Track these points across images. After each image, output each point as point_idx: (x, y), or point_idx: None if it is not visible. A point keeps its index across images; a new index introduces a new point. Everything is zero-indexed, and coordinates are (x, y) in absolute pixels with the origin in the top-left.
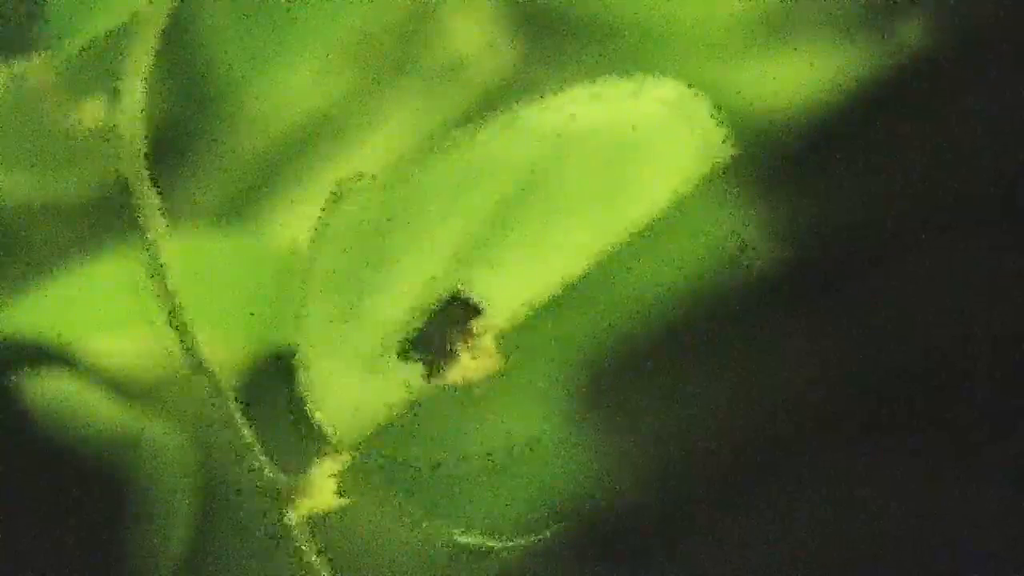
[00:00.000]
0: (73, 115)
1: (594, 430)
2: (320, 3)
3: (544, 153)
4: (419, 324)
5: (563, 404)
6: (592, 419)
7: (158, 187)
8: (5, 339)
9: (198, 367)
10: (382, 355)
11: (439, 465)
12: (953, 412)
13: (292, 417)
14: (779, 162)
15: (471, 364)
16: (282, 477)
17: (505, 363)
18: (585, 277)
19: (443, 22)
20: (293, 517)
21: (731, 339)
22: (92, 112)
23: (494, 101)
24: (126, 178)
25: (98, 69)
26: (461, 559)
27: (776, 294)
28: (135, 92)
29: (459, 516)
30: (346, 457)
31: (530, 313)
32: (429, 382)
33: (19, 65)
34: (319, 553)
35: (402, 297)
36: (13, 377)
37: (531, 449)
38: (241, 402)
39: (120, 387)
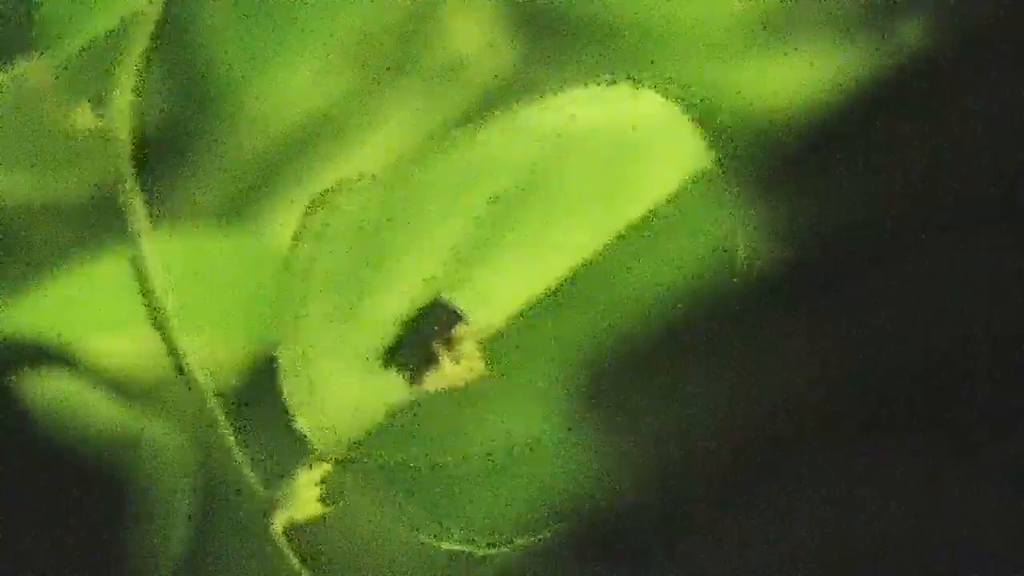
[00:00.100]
0: (71, 115)
1: (594, 430)
2: (320, 3)
3: (544, 153)
4: (405, 331)
5: (563, 404)
6: (592, 419)
7: (154, 187)
8: (5, 339)
9: (183, 374)
10: (381, 356)
11: (439, 465)
12: (953, 412)
13: (276, 423)
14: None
15: (453, 370)
16: (264, 488)
17: (489, 370)
18: (585, 277)
19: (443, 22)
20: (278, 525)
21: (731, 339)
22: (82, 114)
23: (494, 101)
24: (122, 179)
25: (96, 70)
26: (460, 560)
27: (776, 294)
28: (124, 93)
29: (459, 516)
30: (329, 464)
31: (529, 313)
32: (412, 389)
33: (18, 66)
34: (302, 561)
35: (402, 297)
36: (13, 377)
37: (531, 449)
38: (235, 404)
39: (120, 387)
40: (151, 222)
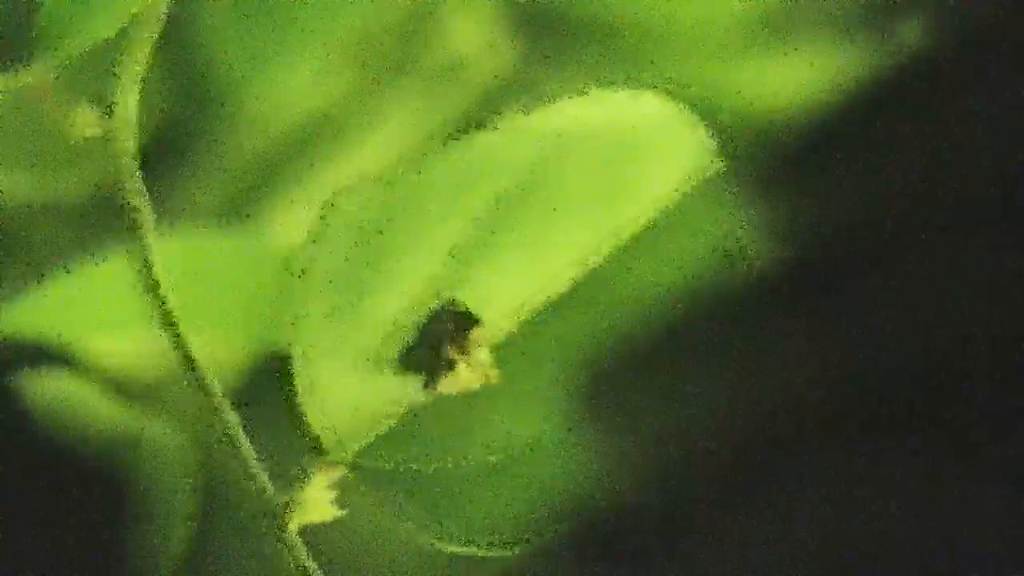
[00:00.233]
0: (72, 117)
1: (594, 430)
2: (320, 3)
3: (544, 153)
4: (416, 332)
5: (563, 405)
6: (592, 419)
7: (154, 187)
8: (5, 339)
9: (192, 374)
10: (380, 358)
11: (439, 466)
12: (953, 412)
13: (288, 425)
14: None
15: (468, 375)
16: (276, 490)
17: (501, 374)
18: (585, 277)
19: (443, 22)
20: (292, 528)
21: (731, 339)
22: (87, 115)
23: (494, 101)
24: (123, 180)
25: (97, 70)
26: (462, 559)
27: (776, 294)
28: (130, 94)
29: (459, 517)
30: (343, 468)
31: (529, 313)
32: (426, 393)
33: (19, 66)
34: (317, 563)
35: (402, 297)
36: (13, 377)
37: (531, 450)
38: (239, 406)
39: (120, 387)
40: (152, 222)
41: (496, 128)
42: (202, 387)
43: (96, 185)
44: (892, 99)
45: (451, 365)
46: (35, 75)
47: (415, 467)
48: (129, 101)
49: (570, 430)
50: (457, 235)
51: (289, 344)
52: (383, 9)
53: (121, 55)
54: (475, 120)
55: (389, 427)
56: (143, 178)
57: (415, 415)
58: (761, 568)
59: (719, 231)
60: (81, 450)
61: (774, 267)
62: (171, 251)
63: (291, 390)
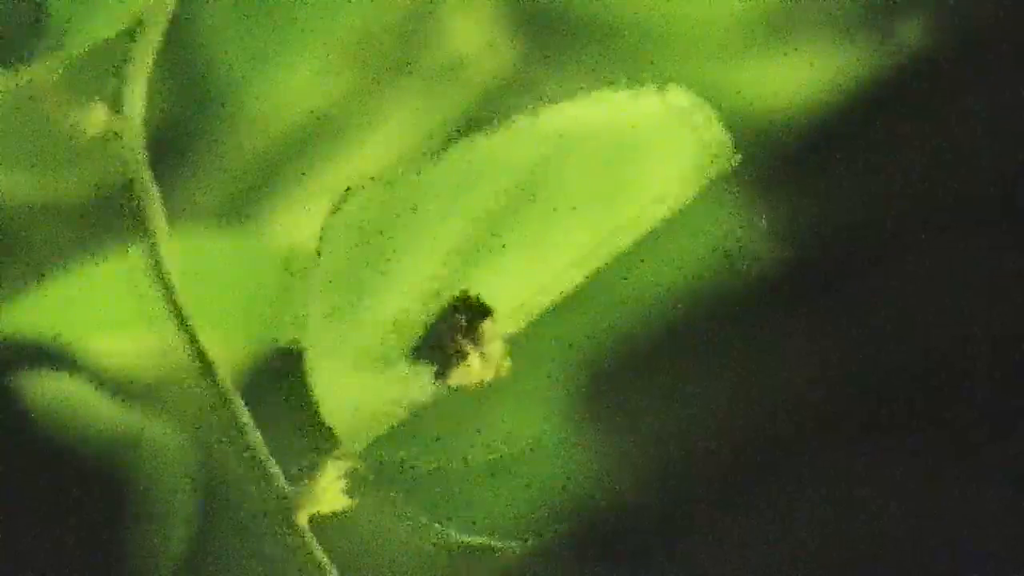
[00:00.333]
0: (75, 117)
1: (594, 430)
2: (320, 3)
3: (544, 153)
4: (426, 324)
5: (563, 404)
6: (592, 419)
7: (158, 188)
8: (5, 339)
9: (204, 370)
10: (387, 355)
11: (440, 466)
12: (953, 412)
13: (298, 418)
14: (779, 162)
15: (481, 366)
16: (288, 482)
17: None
18: (585, 277)
19: (443, 22)
20: (302, 520)
21: (731, 339)
22: (95, 114)
23: (494, 101)
24: (128, 179)
25: (100, 70)
26: (462, 559)
27: (776, 294)
28: (137, 93)
29: (460, 517)
30: (353, 459)
31: (530, 313)
32: (438, 385)
33: (21, 66)
34: (331, 551)
35: (403, 296)
36: (13, 377)
37: (532, 450)
38: (246, 405)
39: (120, 387)
40: (162, 220)
41: (496, 128)
42: (213, 383)
43: (97, 185)
44: (892, 99)
45: (463, 357)
46: (38, 74)
47: (414, 467)
48: (136, 100)
49: (570, 430)
50: (458, 235)
51: (294, 341)
52: (383, 9)
53: (125, 55)
54: (475, 120)
55: (392, 425)
56: (152, 176)
57: (417, 414)
58: (761, 568)
59: (719, 231)
60: (81, 450)
61: (774, 267)
62: (173, 251)
63: (303, 384)
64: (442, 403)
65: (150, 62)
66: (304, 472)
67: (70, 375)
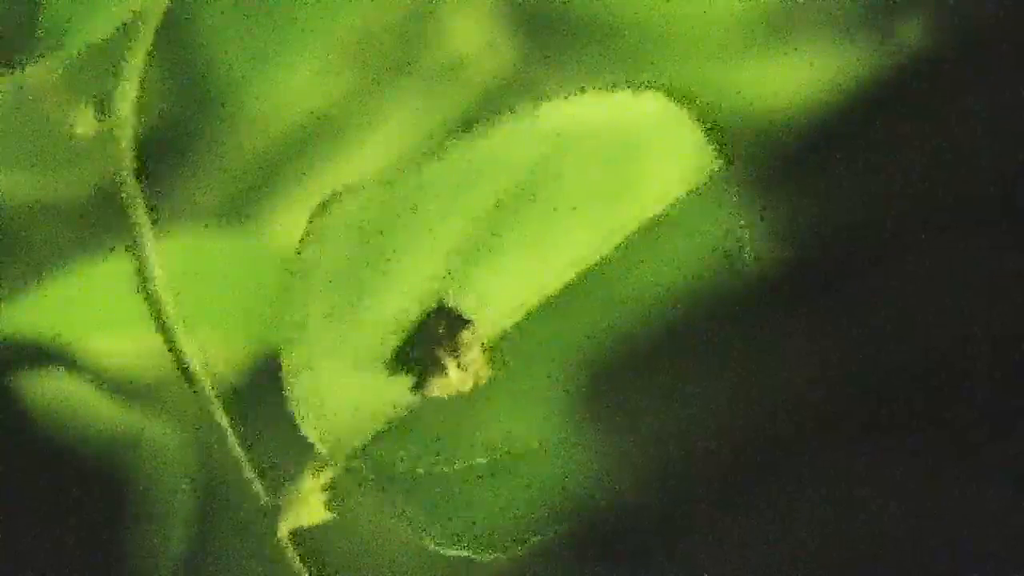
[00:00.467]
0: (71, 117)
1: (594, 430)
2: (320, 3)
3: (544, 153)
4: (407, 334)
5: (563, 404)
6: (592, 419)
7: (154, 188)
8: (5, 339)
9: (185, 375)
10: (381, 357)
11: (438, 467)
12: (953, 412)
13: (280, 426)
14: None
15: (459, 376)
16: (268, 493)
17: (493, 373)
18: (585, 277)
19: (443, 22)
20: (283, 531)
21: (731, 339)
22: (86, 114)
23: (494, 101)
24: (121, 179)
25: (97, 70)
26: (461, 560)
27: (776, 294)
28: (128, 93)
29: (459, 518)
30: (336, 469)
31: (529, 313)
32: (416, 396)
33: (19, 67)
34: (314, 565)
35: (402, 297)
36: (13, 377)
37: (531, 450)
38: (235, 407)
39: (120, 387)
40: (152, 222)
41: (496, 128)
42: (195, 388)
43: (96, 185)
44: (892, 99)
45: (442, 369)
46: (36, 75)
47: (413, 468)
48: (127, 100)
49: (570, 430)
50: (457, 235)
51: (285, 344)
52: (383, 9)
53: (121, 54)
54: (475, 120)
55: (385, 427)
56: (142, 178)
57: (414, 415)
58: (761, 568)
59: (719, 231)
60: (81, 450)
61: (774, 267)
62: (170, 251)
63: (287, 392)
64: (441, 404)
65: (141, 61)
66: (285, 482)
67: (70, 375)
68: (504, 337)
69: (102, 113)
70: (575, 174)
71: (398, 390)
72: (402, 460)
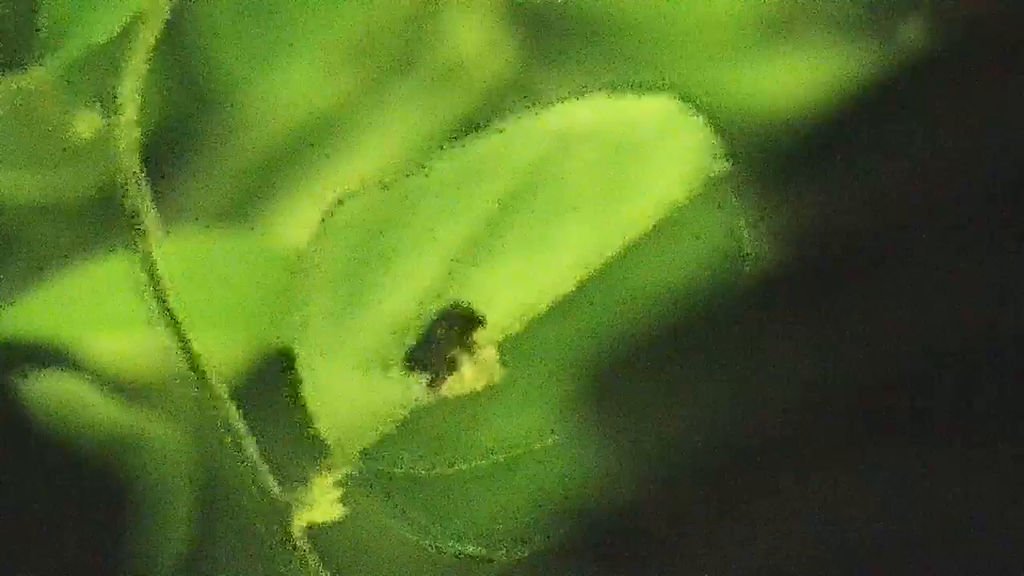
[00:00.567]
0: (72, 118)
1: (595, 431)
2: (320, 3)
3: (545, 154)
4: (419, 333)
5: (564, 405)
6: (592, 419)
7: (155, 189)
8: (5, 339)
9: (196, 374)
10: (387, 355)
11: (440, 467)
12: (953, 412)
13: (291, 424)
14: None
15: (473, 375)
16: (281, 490)
17: (505, 373)
18: (586, 278)
19: (444, 22)
20: (296, 528)
21: (732, 340)
22: (89, 115)
23: (494, 101)
24: (123, 180)
25: (98, 73)
26: (461, 562)
27: (776, 294)
28: (131, 94)
29: (460, 519)
30: (348, 467)
31: (531, 314)
32: (430, 393)
33: (19, 67)
34: (330, 552)
35: (404, 297)
36: (13, 377)
37: (532, 451)
38: (241, 408)
39: (120, 387)
40: (154, 223)
41: (497, 129)
42: (206, 387)
43: (97, 185)
44: (892, 99)
45: (455, 366)
46: (37, 75)
47: (414, 469)
48: (131, 100)
49: (570, 430)
50: (459, 236)
51: (293, 344)
52: (383, 9)
53: (122, 57)
54: (475, 121)
55: (391, 429)
56: (145, 178)
57: (416, 417)
58: (761, 568)
59: (720, 232)
60: (81, 450)
61: (774, 267)
62: (172, 252)
63: (296, 390)
64: (442, 406)
65: (144, 62)
66: (300, 479)
67: (70, 375)
68: (505, 338)
69: (107, 113)
70: (576, 175)
71: (402, 391)
72: (403, 461)
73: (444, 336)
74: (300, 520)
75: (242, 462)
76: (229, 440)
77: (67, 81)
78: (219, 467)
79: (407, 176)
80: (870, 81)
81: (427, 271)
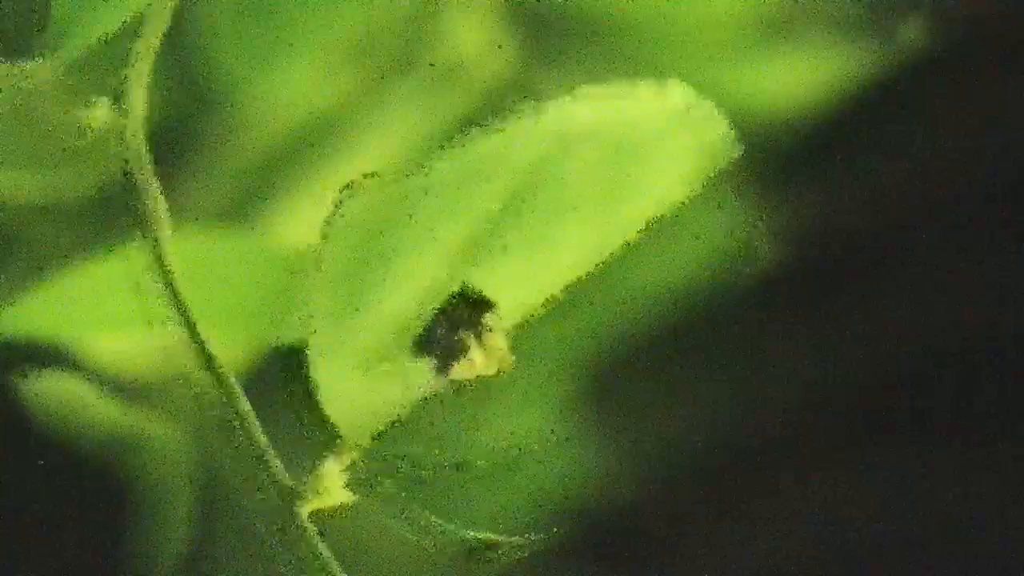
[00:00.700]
0: (77, 116)
1: (594, 430)
2: (320, 3)
3: (546, 154)
4: (428, 320)
5: (564, 404)
6: (592, 419)
7: (161, 187)
8: (5, 339)
9: (207, 367)
10: (388, 352)
11: (440, 465)
12: (953, 412)
13: (299, 414)
14: (780, 162)
15: (483, 360)
16: (290, 476)
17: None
18: (587, 277)
19: (444, 22)
20: (304, 514)
21: (731, 339)
22: (96, 113)
23: (494, 101)
24: (130, 178)
25: (101, 70)
26: (462, 558)
27: (776, 294)
28: (139, 92)
29: (461, 515)
30: (355, 453)
31: (531, 313)
32: (440, 379)
33: (22, 66)
34: (332, 549)
35: (407, 295)
36: (13, 377)
37: (532, 448)
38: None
39: (120, 387)
40: (165, 217)
41: (498, 129)
42: (216, 380)
43: (98, 184)
44: (892, 99)
45: (465, 350)
46: (38, 74)
47: (417, 464)
48: (138, 98)
49: (570, 429)
50: (460, 235)
51: (299, 339)
52: (383, 9)
53: (126, 55)
54: (476, 120)
55: (394, 421)
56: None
57: (419, 412)
58: (761, 568)
59: (720, 231)
60: (81, 450)
61: (775, 267)
62: (175, 251)
63: (304, 382)
64: (444, 401)
65: (151, 60)
66: (306, 467)
67: (70, 375)
68: (507, 331)
69: (116, 111)
70: (577, 174)
71: (405, 387)
72: (405, 457)
73: (454, 320)
74: (308, 505)
75: (251, 450)
76: (236, 432)
77: (72, 78)
78: (220, 466)
79: (407, 176)
80: (870, 81)
81: (428, 271)
